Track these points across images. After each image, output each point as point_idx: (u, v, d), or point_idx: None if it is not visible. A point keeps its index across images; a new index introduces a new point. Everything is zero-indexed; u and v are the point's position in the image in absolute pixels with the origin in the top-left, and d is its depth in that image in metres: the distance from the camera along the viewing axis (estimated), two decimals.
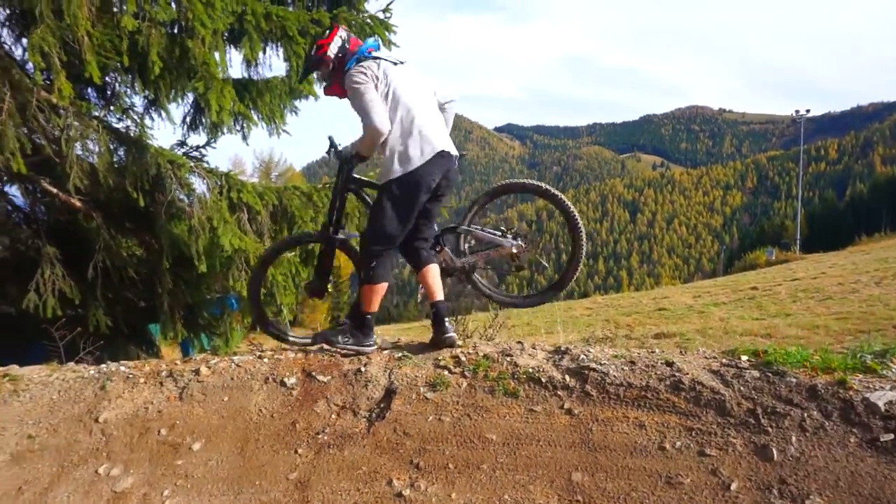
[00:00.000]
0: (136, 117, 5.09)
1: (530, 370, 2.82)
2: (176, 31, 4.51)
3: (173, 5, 4.31)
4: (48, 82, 4.25)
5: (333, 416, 2.80)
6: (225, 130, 5.48)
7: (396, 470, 2.49)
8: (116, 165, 4.67)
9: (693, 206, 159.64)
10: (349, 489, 2.43)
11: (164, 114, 5.47)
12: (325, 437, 2.69)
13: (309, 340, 3.53)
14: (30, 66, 5.02)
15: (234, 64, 5.02)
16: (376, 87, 3.06)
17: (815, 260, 26.34)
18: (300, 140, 5.94)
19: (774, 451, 2.23)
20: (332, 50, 3.18)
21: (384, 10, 5.44)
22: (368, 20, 5.33)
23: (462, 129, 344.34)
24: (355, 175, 3.45)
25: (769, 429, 2.31)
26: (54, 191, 4.90)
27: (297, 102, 5.86)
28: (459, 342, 3.21)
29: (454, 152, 3.20)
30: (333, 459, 2.58)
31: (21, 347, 4.81)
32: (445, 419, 2.68)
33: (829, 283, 14.29)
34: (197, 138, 7.76)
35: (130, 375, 3.14)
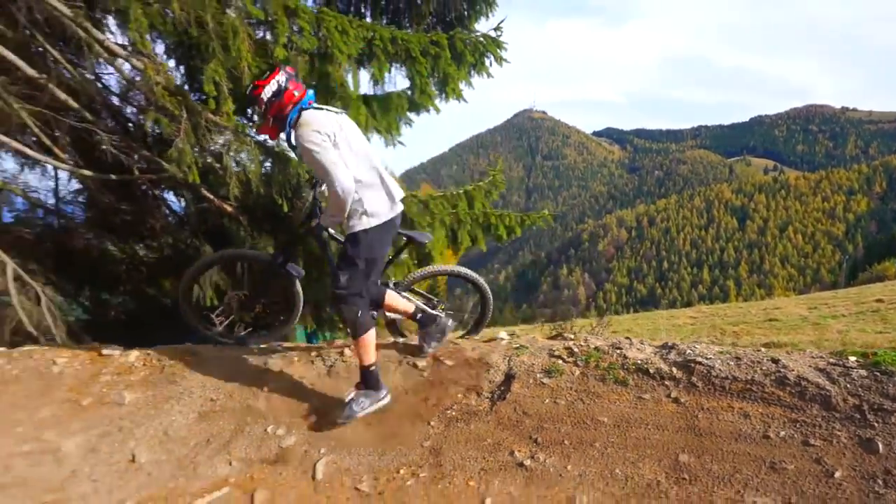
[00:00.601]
0: None
1: (639, 362, 3.07)
2: (316, 56, 5.12)
3: (314, 35, 4.91)
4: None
5: (460, 395, 3.20)
6: None
7: (517, 443, 2.84)
8: (264, 176, 5.36)
9: (810, 213, 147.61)
10: (476, 457, 2.81)
11: None
12: (454, 413, 3.09)
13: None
14: (186, 87, 5.86)
15: (361, 82, 5.62)
16: (335, 142, 3.00)
17: None
18: (400, 147, 6.45)
19: (880, 445, 2.36)
20: (266, 93, 3.10)
21: (496, 29, 5.79)
22: (481, 39, 5.71)
23: (559, 133, 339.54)
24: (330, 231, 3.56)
25: (875, 424, 2.44)
26: (210, 196, 5.69)
27: (413, 115, 6.35)
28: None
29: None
30: (461, 432, 2.97)
31: (181, 333, 5.61)
32: (560, 402, 3.00)
33: None
34: None
35: (286, 355, 3.71)
